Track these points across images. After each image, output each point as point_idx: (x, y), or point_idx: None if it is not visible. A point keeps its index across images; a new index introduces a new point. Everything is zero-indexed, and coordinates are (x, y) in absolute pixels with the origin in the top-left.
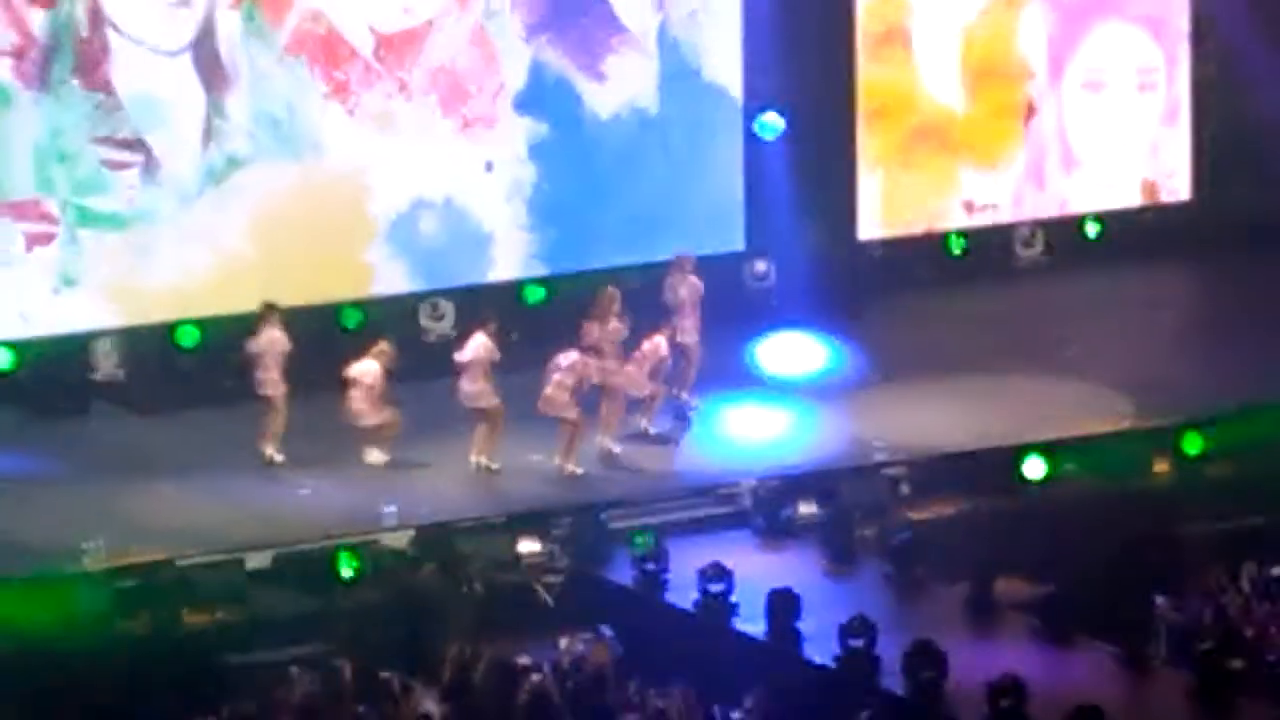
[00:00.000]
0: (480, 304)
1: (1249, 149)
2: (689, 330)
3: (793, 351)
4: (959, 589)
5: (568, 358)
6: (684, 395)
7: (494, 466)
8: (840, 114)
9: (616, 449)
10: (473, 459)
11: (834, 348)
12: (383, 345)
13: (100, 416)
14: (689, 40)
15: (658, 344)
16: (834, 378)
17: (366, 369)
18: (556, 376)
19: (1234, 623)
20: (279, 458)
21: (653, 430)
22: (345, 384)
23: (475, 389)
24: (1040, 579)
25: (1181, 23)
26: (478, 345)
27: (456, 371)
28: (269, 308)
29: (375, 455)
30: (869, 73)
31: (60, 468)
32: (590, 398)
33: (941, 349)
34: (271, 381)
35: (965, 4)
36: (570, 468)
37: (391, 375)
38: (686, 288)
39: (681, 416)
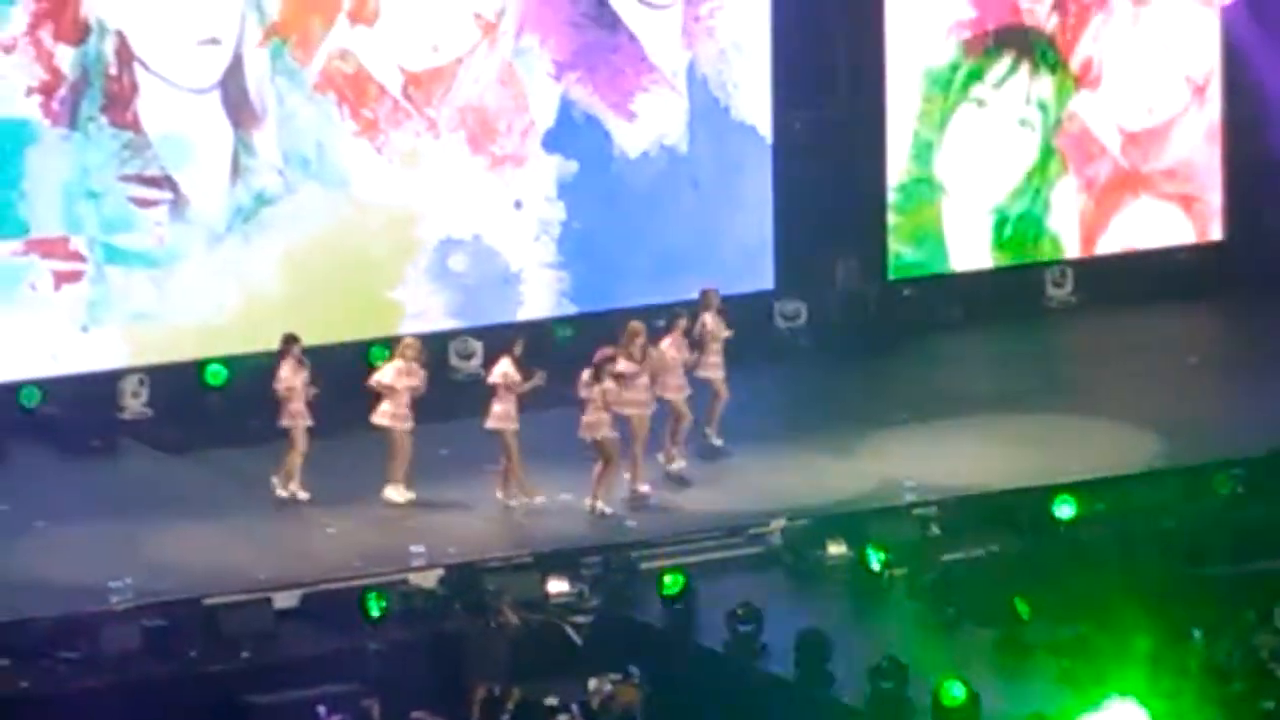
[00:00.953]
0: (509, 342)
1: None
2: (713, 367)
3: None
4: (990, 630)
5: (584, 381)
6: (710, 434)
7: (512, 504)
8: (870, 153)
9: (645, 489)
10: (499, 496)
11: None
12: (407, 340)
13: (128, 455)
14: (718, 78)
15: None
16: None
17: (396, 371)
18: (589, 406)
19: (1265, 664)
20: (302, 495)
21: (679, 466)
22: (376, 395)
23: (497, 410)
24: (1070, 620)
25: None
26: (500, 369)
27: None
28: (291, 340)
29: (393, 493)
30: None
31: (88, 506)
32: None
33: (971, 389)
34: (294, 413)
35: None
36: (600, 507)
37: (421, 364)
38: (710, 324)
39: (709, 456)
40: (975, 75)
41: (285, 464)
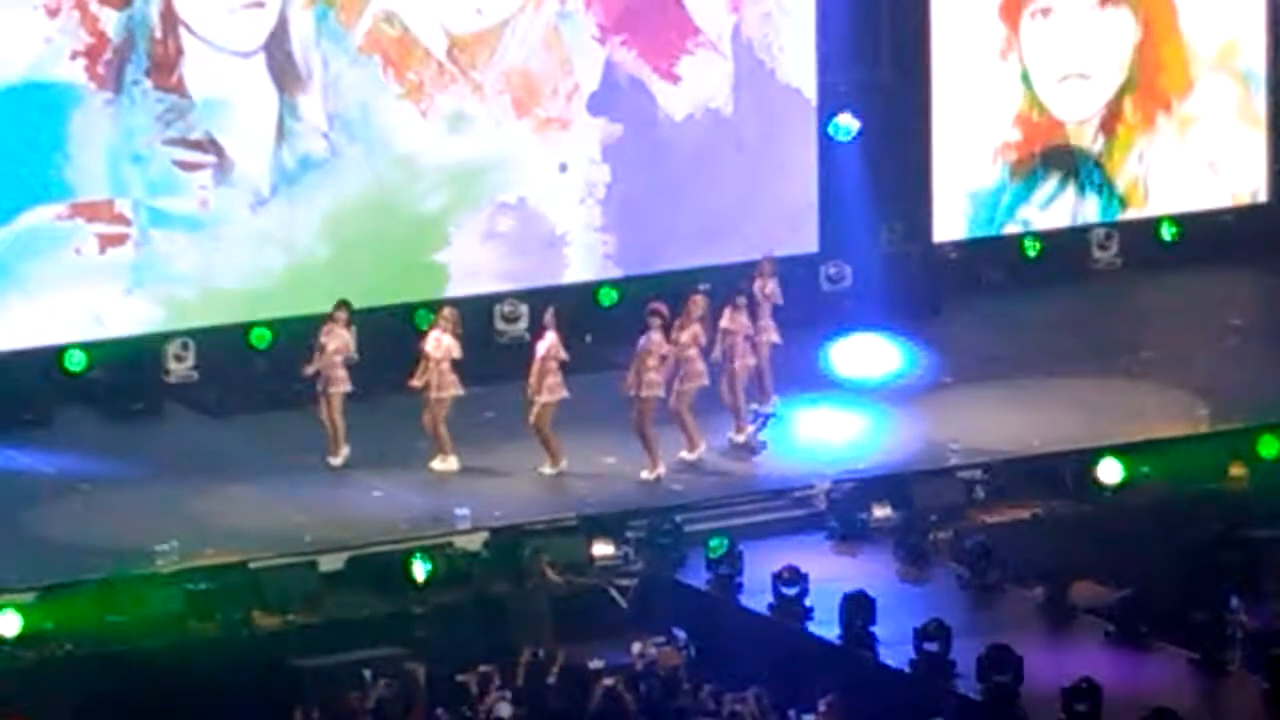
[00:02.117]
0: (554, 305)
1: None
2: (765, 331)
3: (868, 354)
4: (1034, 593)
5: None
6: (764, 400)
7: (545, 470)
8: (915, 115)
9: (691, 457)
10: (547, 470)
11: (908, 350)
12: (445, 312)
13: (173, 418)
14: (763, 41)
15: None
16: (908, 380)
17: (445, 343)
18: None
19: None
20: (335, 462)
21: (740, 440)
22: (425, 360)
23: (532, 383)
24: (1115, 583)
25: None
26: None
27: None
28: (336, 306)
29: (440, 462)
30: None
31: (133, 469)
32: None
33: (1016, 352)
34: (340, 379)
35: None
36: (644, 474)
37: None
38: (765, 290)
39: (759, 420)
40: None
41: (337, 431)
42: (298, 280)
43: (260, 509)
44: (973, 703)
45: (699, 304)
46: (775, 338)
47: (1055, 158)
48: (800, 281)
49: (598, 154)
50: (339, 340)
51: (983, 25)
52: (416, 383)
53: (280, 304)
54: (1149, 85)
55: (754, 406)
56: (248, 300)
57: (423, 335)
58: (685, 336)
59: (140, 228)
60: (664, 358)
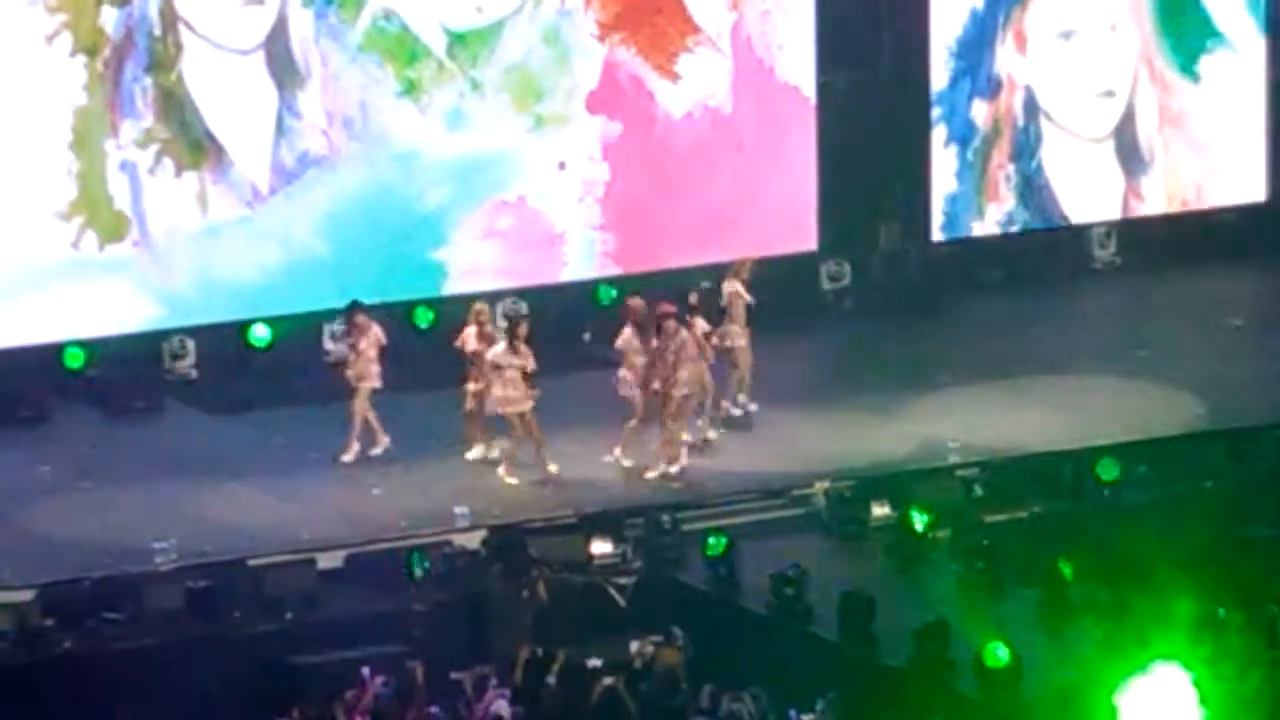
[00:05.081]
0: (553, 303)
1: None
2: (735, 335)
3: None
4: (1033, 592)
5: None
6: (739, 400)
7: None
8: (913, 113)
9: (684, 461)
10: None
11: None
12: (481, 309)
13: (172, 415)
14: (762, 39)
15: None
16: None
17: (498, 346)
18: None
19: None
20: (376, 451)
21: (713, 435)
22: (478, 362)
23: (496, 393)
24: (1113, 582)
25: None
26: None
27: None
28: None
29: (478, 451)
30: None
31: (132, 467)
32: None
33: (1015, 350)
34: (373, 374)
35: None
36: (649, 473)
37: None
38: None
39: (741, 422)
40: None
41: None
42: (296, 277)
43: (259, 507)
44: (972, 701)
45: (637, 308)
46: (738, 341)
47: None
48: (800, 280)
49: (597, 152)
50: (369, 338)
51: None
52: (473, 386)
53: (279, 301)
54: None
55: (740, 402)
56: (247, 297)
57: (424, 333)
58: (657, 341)
59: (139, 225)
60: (652, 361)
